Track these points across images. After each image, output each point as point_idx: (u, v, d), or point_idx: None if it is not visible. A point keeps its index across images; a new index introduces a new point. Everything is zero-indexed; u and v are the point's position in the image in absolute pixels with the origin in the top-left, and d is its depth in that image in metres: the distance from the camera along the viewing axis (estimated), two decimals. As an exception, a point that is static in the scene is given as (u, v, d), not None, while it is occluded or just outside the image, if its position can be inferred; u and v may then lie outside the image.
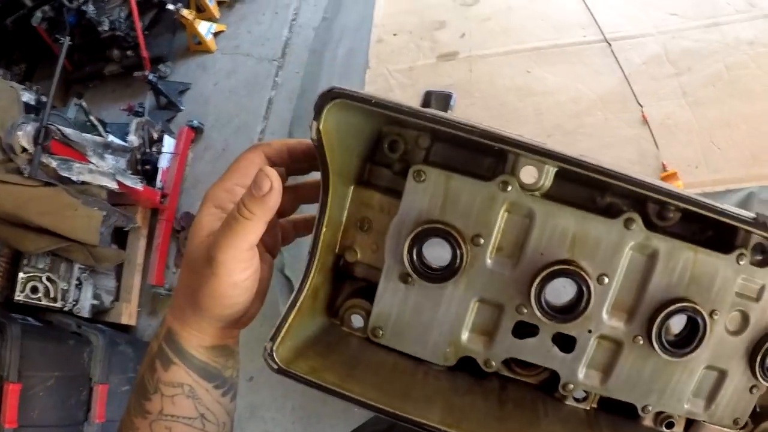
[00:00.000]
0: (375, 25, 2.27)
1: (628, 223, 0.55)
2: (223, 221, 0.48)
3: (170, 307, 0.53)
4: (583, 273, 0.54)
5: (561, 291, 0.58)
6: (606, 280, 0.55)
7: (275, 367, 0.50)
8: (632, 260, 0.56)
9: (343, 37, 2.41)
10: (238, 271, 0.48)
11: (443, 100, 2.02)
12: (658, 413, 0.62)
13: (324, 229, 0.56)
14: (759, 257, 0.57)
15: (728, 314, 0.57)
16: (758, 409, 0.63)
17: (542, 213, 0.55)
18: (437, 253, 0.58)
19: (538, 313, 0.55)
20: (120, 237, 2.80)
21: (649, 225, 0.56)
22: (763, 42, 1.86)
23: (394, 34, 2.22)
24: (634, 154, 1.71)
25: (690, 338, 0.57)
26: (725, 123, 1.72)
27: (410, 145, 0.59)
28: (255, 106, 2.74)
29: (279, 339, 0.51)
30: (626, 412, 0.62)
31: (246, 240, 0.47)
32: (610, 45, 1.91)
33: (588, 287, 0.55)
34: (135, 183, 2.78)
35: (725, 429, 0.62)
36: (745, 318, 0.58)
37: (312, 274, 0.56)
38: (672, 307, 0.56)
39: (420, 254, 0.57)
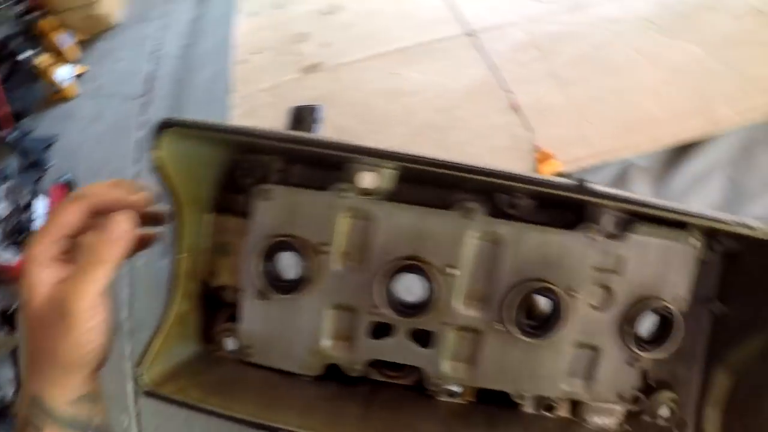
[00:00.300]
0: (235, 46, 2.13)
1: (467, 213, 0.56)
2: (72, 271, 0.46)
3: (26, 375, 0.50)
4: (426, 267, 0.55)
5: (414, 288, 0.58)
6: (453, 271, 0.56)
7: (144, 389, 0.51)
8: (480, 249, 0.57)
9: (205, 62, 2.26)
10: (96, 316, 0.47)
11: (310, 114, 1.88)
12: (538, 398, 0.61)
13: (181, 258, 0.57)
14: (614, 231, 0.57)
15: (589, 290, 0.57)
16: (654, 384, 0.62)
17: (382, 214, 0.56)
18: (293, 265, 0.59)
19: (388, 312, 0.56)
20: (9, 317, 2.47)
21: (502, 215, 0.57)
22: (625, 18, 1.86)
23: (256, 53, 2.08)
24: (507, 141, 1.61)
25: (552, 319, 0.57)
26: (595, 99, 1.67)
27: (265, 170, 0.60)
28: (124, 149, 2.52)
29: (146, 365, 0.52)
30: (506, 401, 0.60)
31: (101, 284, 0.46)
32: (475, 37, 1.84)
33: (433, 280, 0.55)
34: (11, 257, 2.49)
35: (616, 407, 0.60)
36: (608, 292, 0.57)
37: (174, 303, 0.57)
38: (522, 288, 0.56)
39: (272, 269, 0.58)
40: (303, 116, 1.89)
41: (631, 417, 0.64)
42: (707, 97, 1.69)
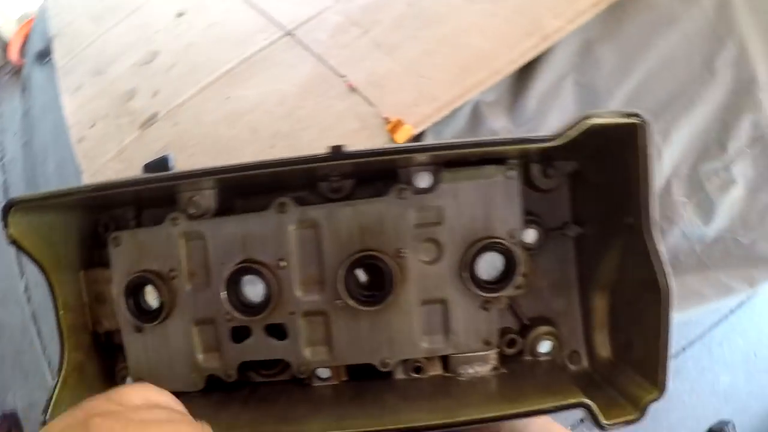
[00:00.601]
0: (70, 126, 2.02)
1: (281, 208, 0.61)
2: None
3: None
4: (258, 266, 0.60)
5: (257, 287, 0.62)
6: (284, 263, 0.60)
7: None
8: (302, 237, 0.61)
9: (47, 153, 2.14)
10: None
11: (162, 166, 1.79)
12: (404, 363, 0.61)
13: (60, 316, 0.63)
14: (424, 185, 0.59)
15: (418, 247, 0.59)
16: (528, 322, 0.63)
17: (209, 231, 0.62)
18: (154, 295, 0.65)
19: (239, 315, 0.61)
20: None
21: (325, 200, 0.61)
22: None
23: (92, 126, 1.98)
24: (355, 123, 1.57)
25: (386, 284, 0.59)
26: (425, 53, 1.64)
27: (121, 221, 0.66)
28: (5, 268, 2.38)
29: (50, 412, 0.57)
30: (379, 373, 0.61)
31: None
32: (293, 35, 1.79)
33: (267, 275, 0.60)
34: None
35: (484, 352, 0.60)
36: (437, 244, 0.59)
37: (65, 356, 0.62)
38: (346, 261, 0.58)
39: (138, 303, 0.64)
40: (156, 171, 1.80)
41: (509, 360, 0.63)
42: (532, 15, 1.69)
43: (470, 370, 0.60)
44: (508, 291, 0.59)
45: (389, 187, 0.61)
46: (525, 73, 1.66)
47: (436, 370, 0.62)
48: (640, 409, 0.52)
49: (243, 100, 1.74)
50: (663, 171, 1.85)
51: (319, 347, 0.62)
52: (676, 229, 1.93)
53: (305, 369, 0.62)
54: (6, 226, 0.59)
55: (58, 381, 0.60)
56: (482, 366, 0.60)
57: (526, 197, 0.62)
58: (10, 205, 0.58)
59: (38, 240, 0.61)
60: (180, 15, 2.06)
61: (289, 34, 1.79)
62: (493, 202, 0.60)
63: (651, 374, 0.52)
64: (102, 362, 0.67)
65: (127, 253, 0.64)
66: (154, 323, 0.63)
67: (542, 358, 0.62)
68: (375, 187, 0.63)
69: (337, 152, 0.56)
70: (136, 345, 0.64)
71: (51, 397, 0.59)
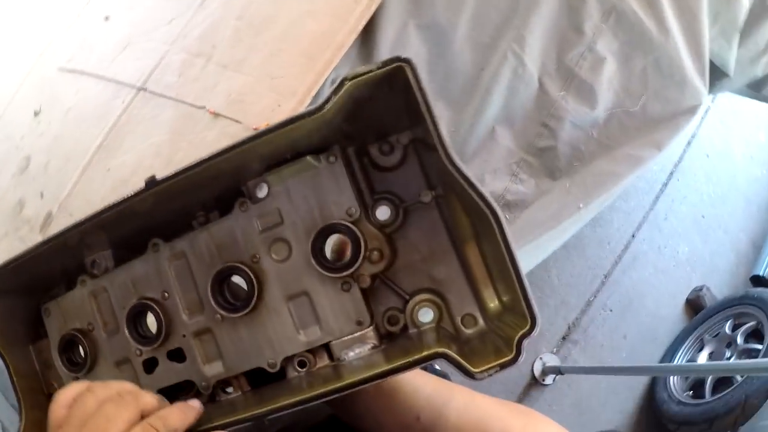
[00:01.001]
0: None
1: (154, 248, 0.68)
2: None
3: None
4: (147, 302, 0.67)
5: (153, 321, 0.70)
6: (167, 294, 0.67)
7: None
8: (177, 268, 0.68)
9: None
10: None
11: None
12: (290, 360, 0.64)
13: (16, 381, 0.71)
14: (262, 195, 0.65)
15: (269, 249, 0.64)
16: (409, 297, 0.64)
17: (109, 283, 0.70)
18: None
19: (144, 348, 0.68)
20: None
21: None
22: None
23: (-6, 247, 1.96)
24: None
25: (249, 289, 0.63)
26: (270, 56, 1.68)
27: (53, 294, 0.75)
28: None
29: None
30: (273, 377, 0.65)
31: None
32: (145, 90, 1.80)
33: (156, 308, 0.67)
34: None
35: (360, 333, 0.63)
36: (285, 241, 0.64)
37: (23, 415, 0.70)
38: (213, 278, 0.64)
39: (69, 359, 0.72)
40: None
41: (396, 337, 0.64)
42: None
43: (351, 354, 0.63)
44: (366, 268, 0.61)
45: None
46: (368, 37, 1.71)
47: (323, 361, 0.64)
48: (512, 348, 0.50)
49: (123, 166, 1.74)
50: (531, 74, 1.93)
51: (214, 362, 0.67)
52: (566, 124, 2.01)
53: (206, 385, 0.67)
54: None
55: None
56: (361, 347, 0.63)
57: (378, 179, 0.65)
58: None
59: None
60: (37, 114, 2.04)
61: (141, 89, 1.80)
62: (324, 190, 0.63)
63: (518, 308, 0.51)
64: None
65: (56, 319, 0.74)
66: (89, 373, 0.71)
67: (426, 327, 0.63)
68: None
69: (150, 182, 0.63)
70: None
71: None
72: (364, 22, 1.66)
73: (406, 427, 0.65)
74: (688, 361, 2.78)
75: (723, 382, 2.61)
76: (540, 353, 2.84)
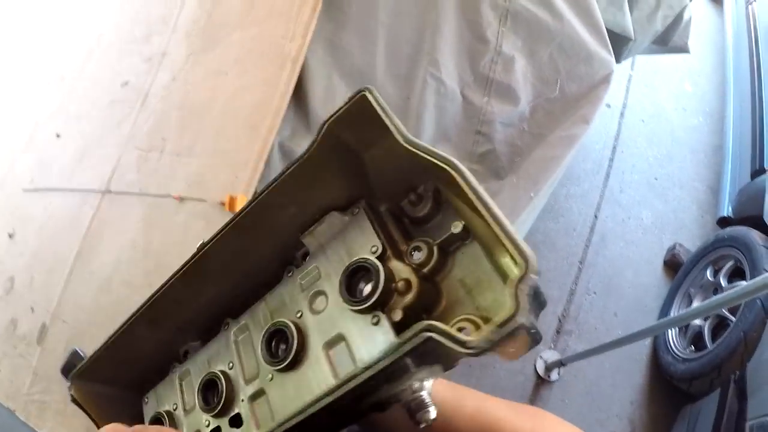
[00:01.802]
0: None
1: (225, 326, 0.74)
2: None
3: None
4: (215, 372, 0.71)
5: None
6: (232, 364, 0.71)
7: None
8: (241, 341, 0.72)
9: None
10: None
11: (74, 362, 1.87)
12: None
13: None
14: (302, 258, 0.70)
15: (309, 304, 0.66)
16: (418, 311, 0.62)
17: (192, 366, 0.76)
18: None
19: (210, 419, 0.71)
20: None
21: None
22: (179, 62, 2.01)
23: None
24: (200, 223, 1.72)
25: (291, 343, 0.65)
26: (217, 135, 1.82)
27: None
28: None
29: None
30: None
31: None
32: (109, 192, 1.93)
33: (222, 377, 0.70)
34: None
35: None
36: (323, 293, 0.66)
37: None
38: (263, 335, 0.67)
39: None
40: (72, 370, 1.88)
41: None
42: (272, 50, 1.87)
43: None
44: (396, 301, 0.60)
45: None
46: (300, 96, 1.86)
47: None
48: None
49: (104, 266, 1.85)
50: (453, 89, 2.09)
51: (268, 423, 0.68)
52: (497, 126, 2.17)
53: None
54: (69, 387, 0.76)
55: None
56: None
57: (416, 231, 0.66)
58: (73, 373, 0.76)
59: (96, 406, 0.77)
60: (11, 236, 2.15)
61: (106, 192, 1.92)
62: (351, 238, 0.65)
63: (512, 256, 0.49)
64: None
65: (151, 406, 0.80)
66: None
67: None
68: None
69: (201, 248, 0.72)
70: None
71: None
72: (293, 84, 1.81)
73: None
74: (681, 318, 2.86)
75: (720, 328, 2.63)
76: (539, 352, 2.89)
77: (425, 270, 0.60)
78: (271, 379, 0.67)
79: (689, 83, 4.26)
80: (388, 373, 0.52)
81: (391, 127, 0.56)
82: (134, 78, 2.08)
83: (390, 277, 0.59)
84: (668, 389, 2.84)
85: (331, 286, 0.65)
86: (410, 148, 0.55)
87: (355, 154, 0.62)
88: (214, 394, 0.72)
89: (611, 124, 3.56)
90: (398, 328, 0.59)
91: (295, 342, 0.64)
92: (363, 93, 0.58)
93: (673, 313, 2.93)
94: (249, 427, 0.69)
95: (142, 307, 0.75)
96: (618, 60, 2.47)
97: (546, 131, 2.37)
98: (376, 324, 0.60)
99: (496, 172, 2.15)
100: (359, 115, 0.58)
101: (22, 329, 2.03)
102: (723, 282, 2.78)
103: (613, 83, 2.33)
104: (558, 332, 3.00)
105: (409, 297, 0.59)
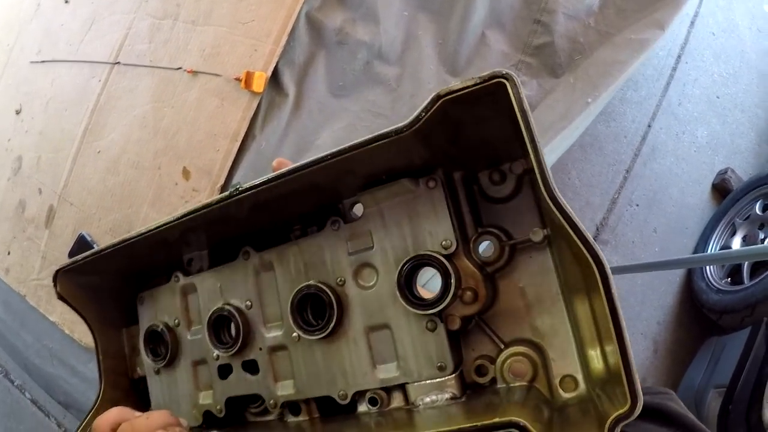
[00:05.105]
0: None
1: (245, 255, 0.67)
2: None
3: None
4: (230, 309, 0.66)
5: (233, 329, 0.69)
6: (250, 304, 0.66)
7: None
8: (262, 279, 0.66)
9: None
10: None
11: (82, 246, 1.77)
12: (362, 395, 0.60)
13: (101, 360, 0.75)
14: (353, 215, 0.62)
15: (355, 273, 0.59)
16: (504, 346, 0.57)
17: (200, 283, 0.70)
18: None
19: (219, 353, 0.67)
20: None
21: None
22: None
23: (8, 253, 1.96)
24: (214, 100, 1.54)
25: (329, 312, 0.59)
26: (236, 2, 1.60)
27: (151, 282, 0.76)
28: None
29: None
30: (344, 409, 0.61)
31: None
32: (119, 63, 1.74)
33: (238, 317, 0.65)
34: None
35: (440, 379, 0.56)
36: (373, 267, 0.59)
37: (100, 393, 0.73)
38: (294, 295, 0.61)
39: (154, 350, 0.74)
40: (80, 253, 1.78)
41: (480, 389, 0.56)
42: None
43: (427, 400, 0.56)
44: (457, 308, 0.54)
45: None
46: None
47: (396, 402, 0.58)
48: (603, 429, 0.41)
49: (112, 145, 1.70)
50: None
51: (286, 382, 0.64)
52: (560, 16, 1.90)
53: (274, 403, 0.64)
54: (54, 285, 0.71)
55: (92, 409, 0.70)
56: (440, 394, 0.55)
57: (487, 211, 0.58)
58: (58, 270, 0.72)
59: (83, 299, 0.74)
60: (18, 112, 2.00)
61: (115, 64, 1.74)
62: (420, 217, 0.57)
63: (619, 381, 0.43)
64: (139, 405, 0.72)
65: (148, 309, 0.75)
66: (165, 365, 0.72)
67: (517, 384, 0.54)
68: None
69: (235, 191, 0.60)
70: (155, 386, 0.74)
71: (82, 425, 0.68)
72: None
73: None
74: (722, 247, 2.64)
75: (761, 266, 2.50)
76: (569, 259, 2.75)
77: (490, 269, 0.56)
78: (298, 339, 0.63)
79: (768, 4, 3.85)
80: None
81: (530, 150, 0.46)
82: (150, -62, 1.84)
83: (458, 284, 0.54)
84: (697, 316, 2.70)
85: (385, 265, 0.58)
86: (556, 212, 0.46)
87: (457, 127, 0.53)
88: (227, 330, 0.68)
89: (679, 31, 3.22)
90: (451, 336, 0.55)
91: (335, 316, 0.59)
92: (501, 80, 0.47)
93: (714, 240, 2.75)
94: (266, 378, 0.65)
95: (153, 232, 0.66)
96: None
97: (614, 30, 2.08)
98: (432, 330, 0.55)
99: (552, 68, 1.90)
100: (485, 98, 0.49)
101: (31, 211, 1.91)
102: (772, 219, 2.58)
103: (689, -13, 2.02)
104: (594, 240, 2.83)
105: (473, 308, 0.55)
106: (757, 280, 2.40)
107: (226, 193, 0.60)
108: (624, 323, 0.43)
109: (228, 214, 0.63)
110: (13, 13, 2.13)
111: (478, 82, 0.47)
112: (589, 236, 0.45)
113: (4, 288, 2.00)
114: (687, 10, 3.32)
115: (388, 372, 0.58)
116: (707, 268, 2.70)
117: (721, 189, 3.04)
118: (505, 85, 0.47)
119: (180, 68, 1.59)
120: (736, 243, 2.67)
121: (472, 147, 0.56)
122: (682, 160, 3.08)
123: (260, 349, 0.65)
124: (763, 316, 2.26)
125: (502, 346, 0.55)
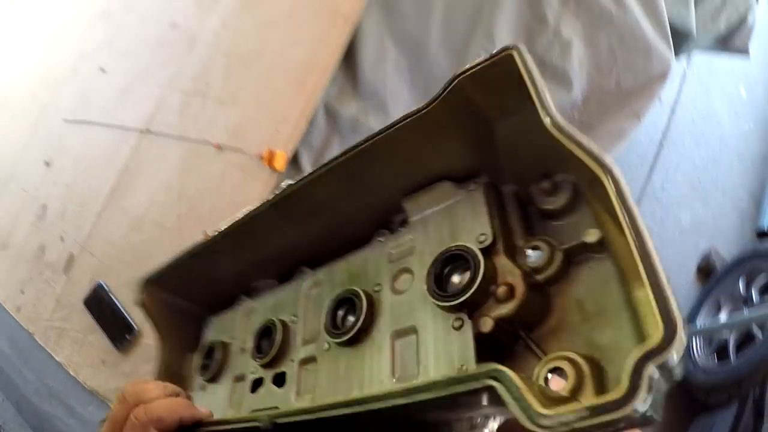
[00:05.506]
0: (3, 302, 2.12)
1: (300, 275, 0.72)
2: None
3: None
4: (277, 321, 0.68)
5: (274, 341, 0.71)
6: (295, 318, 0.68)
7: None
8: (311, 295, 0.69)
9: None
10: None
11: (99, 296, 1.88)
12: None
13: (159, 374, 0.78)
14: (399, 225, 0.64)
15: (392, 279, 0.60)
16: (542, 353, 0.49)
17: (260, 306, 0.77)
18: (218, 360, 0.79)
19: (255, 362, 0.69)
20: None
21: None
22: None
23: (23, 293, 2.09)
24: (237, 174, 1.70)
25: (358, 317, 0.60)
26: (262, 87, 1.79)
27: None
28: None
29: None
30: None
31: None
32: (149, 131, 1.92)
33: (281, 327, 0.67)
34: None
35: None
36: (410, 272, 0.59)
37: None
38: (329, 302, 0.63)
39: (204, 366, 0.77)
40: (96, 303, 1.89)
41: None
42: (326, 6, 1.82)
43: None
44: (491, 308, 0.49)
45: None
46: (350, 57, 1.81)
47: None
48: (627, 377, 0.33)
49: (137, 206, 1.86)
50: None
51: (306, 396, 0.62)
52: (547, 110, 2.10)
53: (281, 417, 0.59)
54: (141, 291, 0.77)
55: None
56: None
57: (541, 226, 0.54)
58: (147, 280, 0.78)
59: (161, 314, 0.79)
60: (48, 165, 2.16)
61: (145, 131, 1.91)
62: (458, 219, 0.56)
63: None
64: None
65: (211, 331, 0.81)
66: (208, 379, 0.76)
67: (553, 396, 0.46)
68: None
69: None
70: (196, 402, 0.69)
71: None
72: (344, 43, 1.76)
73: None
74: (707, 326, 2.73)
75: (746, 343, 2.52)
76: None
77: (539, 277, 0.50)
78: (328, 349, 0.62)
79: (744, 88, 4.09)
80: (440, 403, 0.42)
81: (537, 102, 0.46)
82: (183, 20, 2.05)
83: (491, 275, 0.49)
84: (684, 396, 2.79)
85: (421, 267, 0.56)
86: (556, 133, 0.45)
87: (485, 120, 0.53)
88: (269, 343, 0.69)
89: (660, 119, 3.41)
90: (483, 341, 0.48)
91: (362, 316, 0.58)
92: (510, 51, 0.48)
93: (701, 319, 2.86)
94: (288, 392, 0.64)
95: (225, 231, 0.72)
96: (675, 55, 2.37)
97: (595, 122, 2.30)
98: (458, 329, 0.50)
99: (539, 157, 2.09)
100: (500, 76, 0.49)
101: (50, 256, 2.06)
102: (755, 296, 2.68)
103: (667, 77, 2.24)
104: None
105: (508, 307, 0.48)
106: (743, 356, 2.48)
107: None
108: (641, 218, 0.41)
109: (280, 228, 0.70)
110: (49, 72, 2.32)
111: (489, 56, 0.49)
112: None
113: (13, 325, 2.11)
114: (663, 97, 3.55)
115: (405, 380, 0.53)
116: (694, 346, 2.77)
117: (705, 270, 3.13)
118: (512, 55, 0.48)
119: (207, 142, 1.77)
120: (721, 320, 2.74)
121: (518, 154, 0.53)
122: (666, 243, 3.18)
123: (292, 360, 0.65)
124: (750, 391, 2.31)
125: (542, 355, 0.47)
